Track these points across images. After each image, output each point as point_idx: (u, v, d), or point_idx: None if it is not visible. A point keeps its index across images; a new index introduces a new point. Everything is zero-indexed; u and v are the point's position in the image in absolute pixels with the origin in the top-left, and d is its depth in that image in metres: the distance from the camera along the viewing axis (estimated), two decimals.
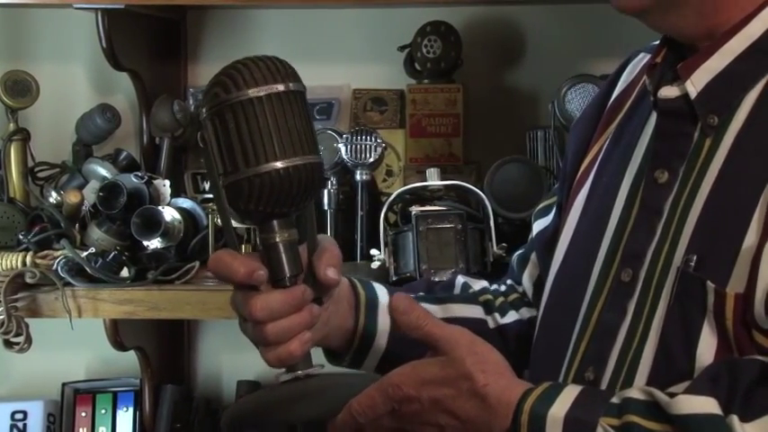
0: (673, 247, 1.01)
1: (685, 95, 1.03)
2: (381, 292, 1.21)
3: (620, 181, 1.09)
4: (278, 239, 1.01)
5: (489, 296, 1.27)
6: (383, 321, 1.18)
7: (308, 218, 1.04)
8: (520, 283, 1.28)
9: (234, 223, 1.05)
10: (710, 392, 0.92)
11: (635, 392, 0.96)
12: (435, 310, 1.22)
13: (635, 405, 0.94)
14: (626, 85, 1.17)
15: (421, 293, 1.25)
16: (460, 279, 1.30)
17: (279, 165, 0.98)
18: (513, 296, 1.27)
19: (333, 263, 1.04)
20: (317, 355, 1.08)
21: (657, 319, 1.00)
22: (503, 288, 1.29)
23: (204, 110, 1.00)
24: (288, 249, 1.02)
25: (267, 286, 1.02)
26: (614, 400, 0.95)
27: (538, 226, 1.27)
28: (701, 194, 1.00)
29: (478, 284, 1.30)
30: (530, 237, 1.30)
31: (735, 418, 0.91)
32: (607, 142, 1.15)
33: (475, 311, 1.24)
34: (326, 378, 1.04)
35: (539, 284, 1.23)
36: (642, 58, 1.18)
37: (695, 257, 0.98)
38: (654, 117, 1.08)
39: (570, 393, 0.96)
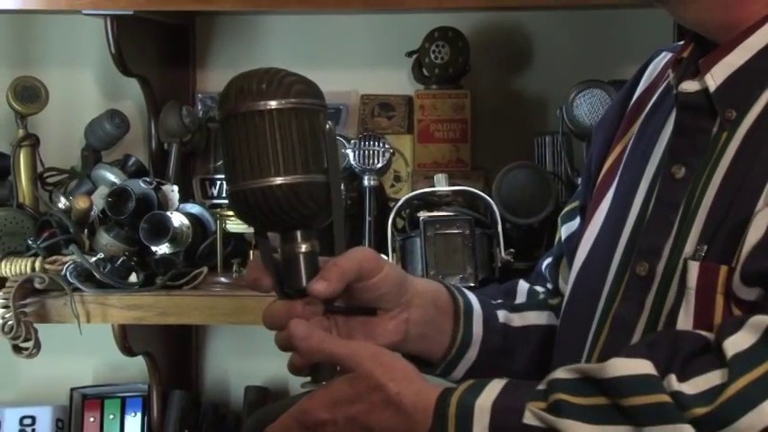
0: (685, 240, 1.01)
1: (705, 90, 1.03)
2: (473, 298, 1.20)
3: (639, 178, 1.10)
4: (297, 250, 1.01)
5: (551, 300, 1.26)
6: (477, 331, 1.17)
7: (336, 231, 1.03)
8: (558, 291, 1.27)
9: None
10: (646, 356, 0.91)
11: (561, 373, 0.95)
12: (513, 318, 1.21)
13: (561, 384, 0.93)
14: (648, 84, 1.17)
15: (499, 301, 1.24)
16: (523, 284, 1.28)
17: (278, 181, 0.97)
18: (558, 300, 1.26)
19: (326, 276, 1.02)
20: None
21: (665, 311, 1.01)
22: (550, 292, 1.28)
23: (216, 115, 1.00)
24: (307, 260, 1.01)
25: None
26: (541, 386, 0.95)
27: (566, 230, 1.26)
28: (712, 186, 1.01)
29: (540, 289, 1.28)
30: (557, 239, 1.28)
31: (672, 377, 0.90)
32: (631, 142, 1.15)
33: (549, 318, 1.24)
34: None
35: None
36: (664, 57, 1.18)
37: (706, 247, 0.99)
38: (675, 113, 1.08)
39: (497, 385, 0.96)
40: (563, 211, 1.29)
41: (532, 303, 1.25)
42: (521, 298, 1.26)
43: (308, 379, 1.03)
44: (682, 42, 1.11)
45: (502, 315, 1.21)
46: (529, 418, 0.92)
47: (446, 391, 0.96)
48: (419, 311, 1.12)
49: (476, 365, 1.17)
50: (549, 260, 1.29)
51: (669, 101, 1.11)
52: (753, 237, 0.95)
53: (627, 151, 1.15)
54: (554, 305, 1.25)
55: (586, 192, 1.21)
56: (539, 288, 1.28)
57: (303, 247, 1.01)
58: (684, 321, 0.98)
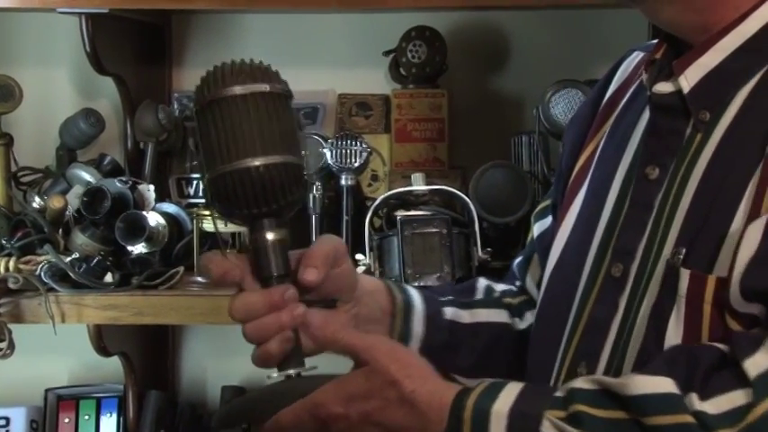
0: (662, 242, 1.01)
1: (679, 91, 1.03)
2: (416, 296, 1.19)
3: (612, 177, 1.10)
4: (266, 239, 1.01)
5: (510, 299, 1.26)
6: (417, 328, 1.17)
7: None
8: (525, 288, 1.27)
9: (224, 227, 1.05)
10: (667, 373, 0.92)
11: (580, 383, 0.95)
12: (463, 315, 1.21)
13: (581, 394, 0.93)
14: (620, 83, 1.17)
15: (449, 297, 1.24)
16: (483, 281, 1.29)
17: (257, 162, 0.98)
18: (522, 298, 1.27)
19: (312, 263, 1.03)
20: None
21: (643, 313, 1.01)
22: (515, 290, 1.28)
23: (203, 98, 1.01)
24: (276, 249, 1.02)
25: (256, 286, 1.02)
26: (559, 393, 0.94)
27: (539, 228, 1.26)
28: (689, 188, 1.01)
29: (499, 286, 1.28)
30: (529, 238, 1.29)
31: (694, 396, 0.90)
32: (603, 140, 1.15)
33: (501, 315, 1.23)
34: (317, 379, 1.03)
35: (541, 286, 1.22)
36: (636, 57, 1.18)
37: (684, 250, 0.98)
38: (647, 113, 1.08)
39: (513, 389, 0.95)
40: (536, 210, 1.29)
41: (486, 301, 1.25)
42: (479, 295, 1.27)
43: (275, 370, 1.03)
44: (654, 42, 1.11)
45: (450, 312, 1.21)
46: (547, 427, 0.92)
47: (462, 393, 0.96)
48: (366, 308, 1.13)
49: None
50: (520, 258, 1.29)
51: (641, 100, 1.11)
52: (747, 249, 0.94)
53: (599, 149, 1.15)
54: (512, 304, 1.25)
55: (558, 190, 1.21)
56: (501, 286, 1.28)
57: (277, 235, 1.02)
58: (675, 329, 0.98)
